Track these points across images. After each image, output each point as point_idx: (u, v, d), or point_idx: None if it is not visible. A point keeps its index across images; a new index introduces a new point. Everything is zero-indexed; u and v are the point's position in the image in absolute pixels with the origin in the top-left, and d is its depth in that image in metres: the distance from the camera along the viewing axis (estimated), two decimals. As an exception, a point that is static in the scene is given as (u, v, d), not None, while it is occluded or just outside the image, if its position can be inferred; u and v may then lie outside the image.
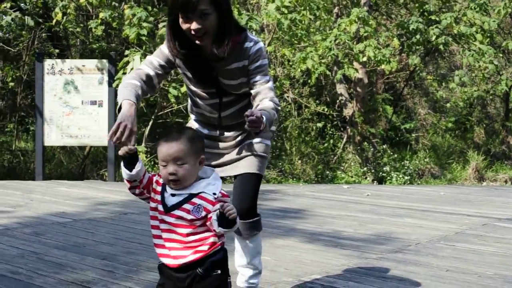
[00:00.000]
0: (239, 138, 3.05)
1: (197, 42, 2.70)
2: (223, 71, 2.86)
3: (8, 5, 9.44)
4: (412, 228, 5.65)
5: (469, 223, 5.97)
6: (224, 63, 2.82)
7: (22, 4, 10.51)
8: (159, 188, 2.35)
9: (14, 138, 11.65)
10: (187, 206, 2.26)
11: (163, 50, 2.88)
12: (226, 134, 3.04)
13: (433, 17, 12.06)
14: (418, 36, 11.53)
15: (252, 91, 2.89)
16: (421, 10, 12.59)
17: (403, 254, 4.52)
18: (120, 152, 2.32)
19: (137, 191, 2.37)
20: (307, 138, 11.92)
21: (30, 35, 11.15)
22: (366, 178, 11.54)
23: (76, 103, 8.97)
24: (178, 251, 2.29)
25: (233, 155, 3.04)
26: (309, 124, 12.23)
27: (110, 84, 8.85)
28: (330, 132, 12.79)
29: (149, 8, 9.57)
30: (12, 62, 12.39)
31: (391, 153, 12.42)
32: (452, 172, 13.00)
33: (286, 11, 10.01)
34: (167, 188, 2.33)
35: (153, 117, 10.22)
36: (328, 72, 11.47)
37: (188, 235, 2.28)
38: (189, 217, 2.25)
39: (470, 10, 11.74)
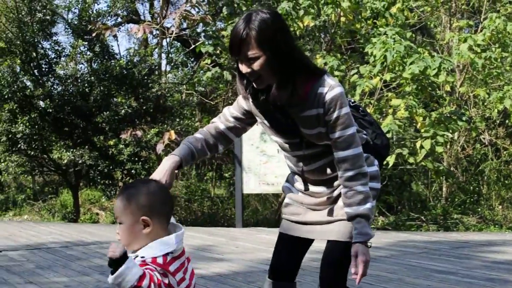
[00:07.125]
0: (333, 195, 2.62)
1: (255, 85, 2.43)
2: (299, 118, 2.49)
3: (208, 61, 10.09)
4: None
5: None
6: (297, 109, 2.46)
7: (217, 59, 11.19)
8: None
9: (212, 185, 12.32)
10: None
11: (239, 100, 2.62)
12: (313, 189, 2.66)
13: None
14: None
15: (334, 156, 2.51)
16: None
17: None
18: None
19: None
20: (507, 181, 11.25)
21: (227, 87, 11.83)
22: None
23: (272, 152, 9.26)
24: None
25: (323, 215, 2.64)
26: (508, 167, 11.55)
27: (304, 132, 9.06)
28: (533, 174, 11.97)
29: (338, 56, 9.69)
30: (209, 114, 13.23)
31: None
32: None
33: (479, 50, 9.66)
34: None
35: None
36: (528, 111, 10.80)
37: None
38: None
39: None
